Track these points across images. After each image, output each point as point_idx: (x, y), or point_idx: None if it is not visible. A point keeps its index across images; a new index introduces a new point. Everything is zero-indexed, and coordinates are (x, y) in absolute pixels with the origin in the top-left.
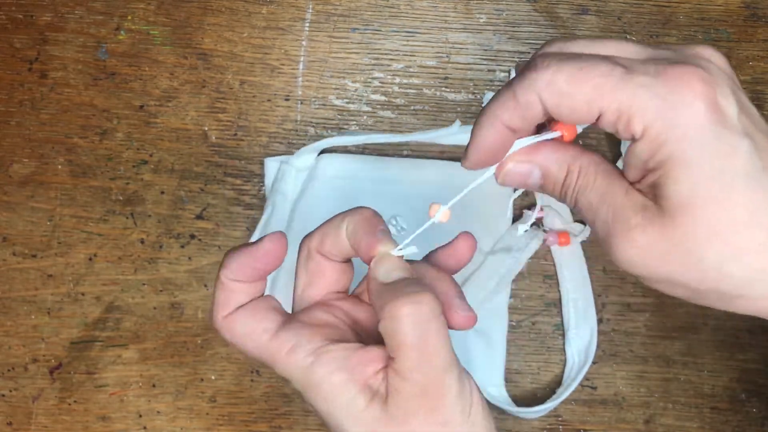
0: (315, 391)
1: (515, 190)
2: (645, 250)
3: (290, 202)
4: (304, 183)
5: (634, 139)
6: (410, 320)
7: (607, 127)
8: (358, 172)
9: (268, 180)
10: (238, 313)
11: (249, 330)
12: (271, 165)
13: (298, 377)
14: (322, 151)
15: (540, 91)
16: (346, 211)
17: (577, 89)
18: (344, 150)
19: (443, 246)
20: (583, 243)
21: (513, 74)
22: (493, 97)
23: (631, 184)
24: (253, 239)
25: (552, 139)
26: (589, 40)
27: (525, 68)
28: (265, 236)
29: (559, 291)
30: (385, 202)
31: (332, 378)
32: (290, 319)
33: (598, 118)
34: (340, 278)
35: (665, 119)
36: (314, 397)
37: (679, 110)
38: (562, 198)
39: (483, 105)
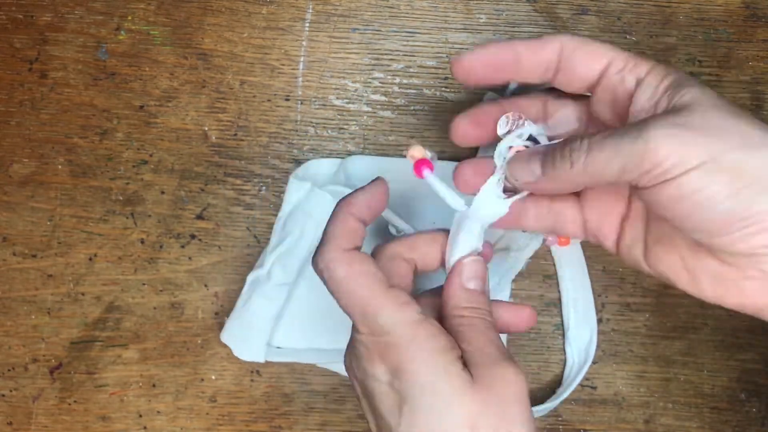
0: (417, 345)
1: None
2: (685, 126)
3: (317, 224)
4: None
5: (638, 81)
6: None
7: (611, 76)
8: (356, 172)
9: (290, 198)
10: (358, 253)
11: (367, 271)
12: (298, 187)
13: (403, 329)
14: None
15: (561, 38)
16: (439, 229)
17: (592, 42)
18: (346, 152)
19: (509, 305)
20: (583, 243)
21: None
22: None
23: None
24: (269, 250)
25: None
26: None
27: None
28: (376, 179)
29: (558, 291)
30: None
31: (439, 338)
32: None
33: (604, 72)
34: (409, 277)
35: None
36: (410, 352)
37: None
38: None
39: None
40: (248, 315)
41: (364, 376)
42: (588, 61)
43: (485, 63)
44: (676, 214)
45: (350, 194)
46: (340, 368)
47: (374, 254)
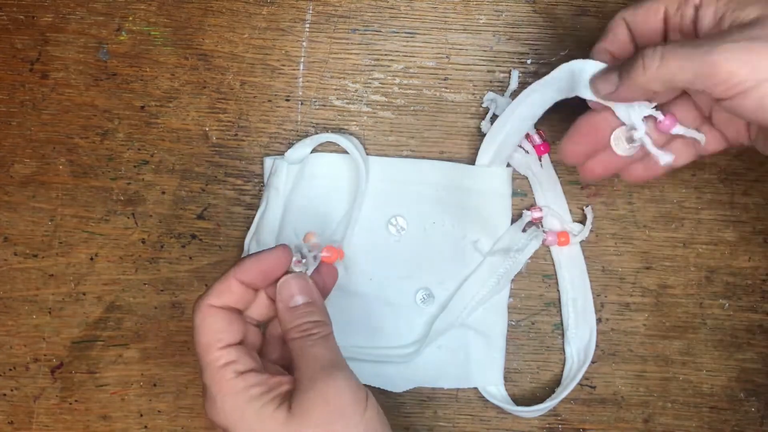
0: (231, 401)
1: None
2: (753, 39)
3: (283, 197)
4: (296, 178)
5: (697, 6)
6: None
7: (672, 17)
8: (355, 172)
9: (266, 177)
10: (216, 311)
11: (209, 328)
12: (268, 162)
13: (218, 387)
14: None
15: (622, 13)
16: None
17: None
18: (346, 153)
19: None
20: (582, 243)
21: (513, 77)
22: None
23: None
24: (248, 235)
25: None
26: None
27: None
28: (279, 246)
29: (558, 291)
30: (384, 202)
31: (250, 389)
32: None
33: (666, 19)
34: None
35: None
36: (227, 409)
37: None
38: (644, 66)
39: (483, 105)
40: None
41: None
42: (647, 19)
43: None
44: (759, 121)
45: (245, 258)
46: None
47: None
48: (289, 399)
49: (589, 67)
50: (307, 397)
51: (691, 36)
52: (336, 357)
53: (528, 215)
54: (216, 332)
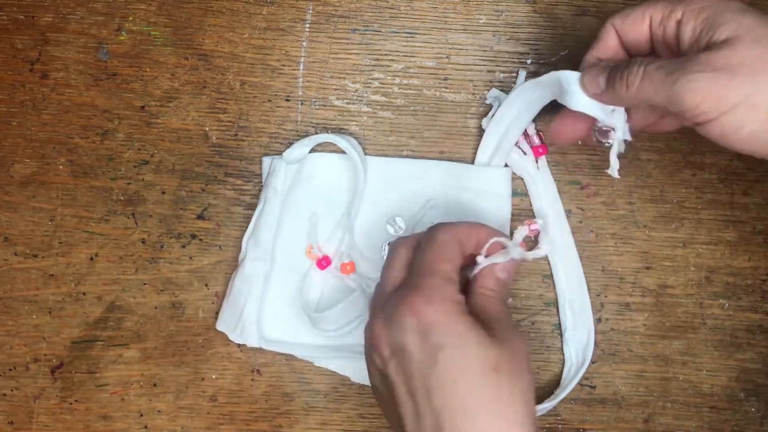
0: (444, 303)
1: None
2: (719, 69)
3: (281, 196)
4: (294, 178)
5: (678, 23)
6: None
7: (656, 29)
8: (354, 172)
9: (264, 177)
10: (456, 242)
11: (455, 254)
12: (267, 162)
13: (440, 292)
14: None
15: (612, 20)
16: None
17: (633, 8)
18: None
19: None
20: (582, 243)
21: (521, 77)
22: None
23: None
24: (246, 234)
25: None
26: None
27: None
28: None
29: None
30: (383, 203)
31: (461, 304)
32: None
33: (651, 30)
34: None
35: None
36: (442, 308)
37: None
38: (620, 87)
39: (486, 101)
40: (233, 297)
41: (396, 332)
42: (634, 29)
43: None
44: (726, 146)
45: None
46: (327, 364)
47: (435, 228)
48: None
49: (575, 78)
50: (503, 334)
51: (675, 48)
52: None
53: (523, 231)
54: (454, 255)
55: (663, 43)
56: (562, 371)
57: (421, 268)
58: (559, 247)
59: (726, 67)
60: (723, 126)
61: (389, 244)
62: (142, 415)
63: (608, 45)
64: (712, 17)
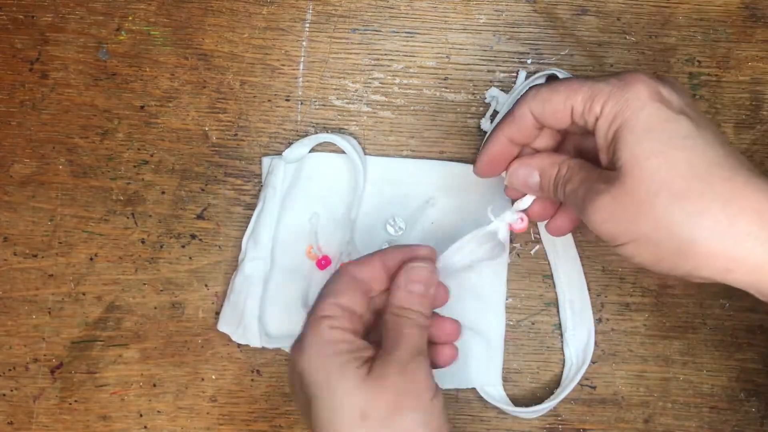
0: (316, 349)
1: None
2: (609, 208)
3: (280, 196)
4: (293, 178)
5: (596, 121)
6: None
7: (578, 119)
8: (354, 172)
9: (264, 176)
10: (347, 275)
11: (336, 288)
12: (266, 162)
13: (309, 338)
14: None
15: (529, 102)
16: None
17: (555, 94)
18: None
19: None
20: (582, 243)
21: (521, 77)
22: (499, 120)
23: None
24: (246, 234)
25: (545, 150)
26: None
27: (521, 96)
28: (426, 246)
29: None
30: (383, 202)
31: (339, 344)
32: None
33: (572, 118)
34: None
35: (617, 98)
36: (311, 357)
37: (627, 91)
38: (555, 192)
39: (485, 101)
40: (234, 297)
41: (289, 377)
42: (555, 116)
43: (495, 161)
44: (644, 268)
45: (394, 246)
46: None
47: (340, 275)
48: (370, 363)
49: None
50: (388, 367)
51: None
52: (423, 347)
53: (504, 227)
54: (335, 290)
55: (585, 130)
56: (562, 371)
57: (308, 314)
58: (560, 247)
59: (619, 204)
60: (622, 253)
61: (388, 243)
62: (141, 416)
63: (523, 126)
64: (622, 133)
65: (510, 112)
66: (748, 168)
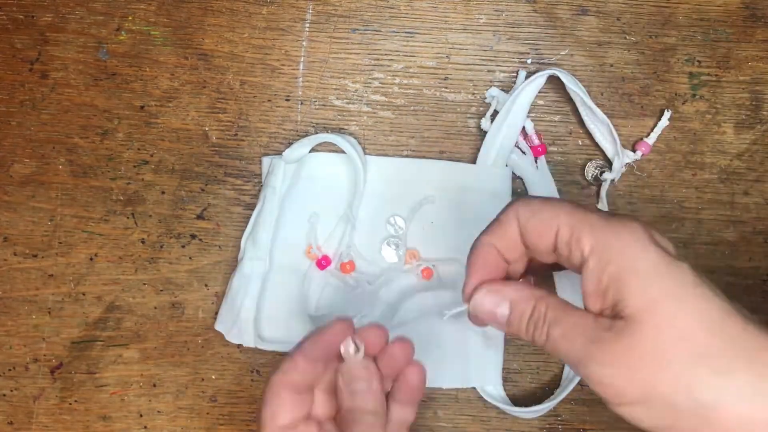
0: None
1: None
2: (618, 363)
3: (279, 196)
4: (293, 178)
5: (583, 259)
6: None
7: (562, 247)
8: (354, 172)
9: (263, 176)
10: (285, 389)
11: (278, 406)
12: (266, 162)
13: None
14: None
15: (517, 209)
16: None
17: (543, 208)
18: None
19: (396, 384)
20: None
21: (521, 76)
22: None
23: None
24: (245, 234)
25: (519, 280)
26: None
27: (509, 203)
28: (336, 321)
29: (555, 292)
30: (383, 202)
31: None
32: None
33: (556, 243)
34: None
35: (610, 236)
36: None
37: (623, 234)
38: (528, 333)
39: (485, 100)
40: (231, 296)
41: None
42: (540, 232)
43: (485, 273)
44: (640, 427)
45: (307, 337)
46: None
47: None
48: None
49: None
50: None
51: (579, 272)
52: None
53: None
54: (273, 411)
55: (567, 263)
56: (562, 371)
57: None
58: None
59: (627, 360)
60: (627, 413)
61: (387, 243)
62: (141, 416)
63: (508, 233)
64: (624, 278)
65: (495, 219)
66: (751, 317)
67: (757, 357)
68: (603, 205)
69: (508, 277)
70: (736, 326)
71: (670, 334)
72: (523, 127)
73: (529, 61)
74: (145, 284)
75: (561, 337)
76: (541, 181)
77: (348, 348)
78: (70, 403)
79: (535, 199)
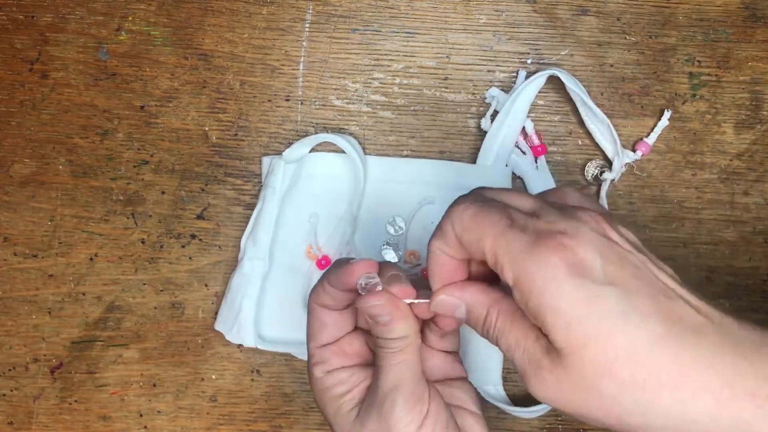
0: (320, 395)
1: None
2: (555, 388)
3: (279, 196)
4: (293, 178)
5: (510, 286)
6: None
7: (491, 266)
8: (354, 172)
9: (263, 176)
10: (320, 312)
11: (315, 329)
12: (266, 162)
13: (313, 384)
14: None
15: (453, 221)
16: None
17: (470, 226)
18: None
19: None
20: None
21: (521, 76)
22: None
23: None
24: (245, 234)
25: (480, 282)
26: (498, 190)
27: (450, 205)
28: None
29: None
30: (383, 202)
31: (333, 389)
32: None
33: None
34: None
35: (528, 271)
36: (319, 401)
37: (540, 265)
38: (484, 334)
39: (486, 100)
40: (230, 296)
41: None
42: (472, 249)
43: (446, 275)
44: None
45: (334, 264)
46: None
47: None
48: (363, 397)
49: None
50: (369, 410)
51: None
52: (405, 376)
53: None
54: (310, 334)
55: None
56: None
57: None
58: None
59: (561, 387)
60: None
61: (387, 243)
62: (141, 416)
63: (451, 239)
64: (546, 317)
65: (438, 225)
66: (694, 330)
67: (682, 386)
68: (603, 205)
69: (478, 275)
70: (662, 356)
71: (595, 370)
72: (523, 127)
73: (529, 61)
74: (145, 284)
75: (506, 349)
76: (541, 180)
77: (361, 282)
78: (70, 403)
79: (469, 210)
